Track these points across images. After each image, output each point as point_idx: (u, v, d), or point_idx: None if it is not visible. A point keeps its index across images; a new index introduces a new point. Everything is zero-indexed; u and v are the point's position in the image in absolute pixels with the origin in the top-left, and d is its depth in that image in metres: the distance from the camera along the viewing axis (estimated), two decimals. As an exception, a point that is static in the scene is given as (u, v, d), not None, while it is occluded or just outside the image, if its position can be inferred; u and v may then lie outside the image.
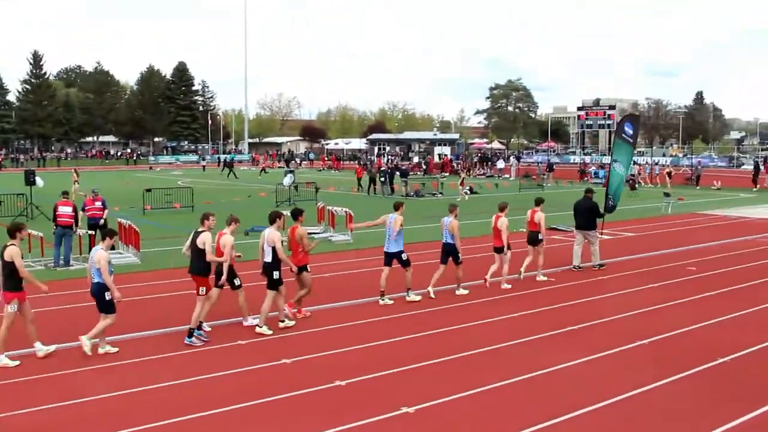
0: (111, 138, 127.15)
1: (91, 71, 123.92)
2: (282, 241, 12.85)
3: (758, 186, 47.40)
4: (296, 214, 13.59)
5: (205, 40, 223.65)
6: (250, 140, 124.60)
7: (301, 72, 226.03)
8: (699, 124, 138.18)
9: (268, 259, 12.65)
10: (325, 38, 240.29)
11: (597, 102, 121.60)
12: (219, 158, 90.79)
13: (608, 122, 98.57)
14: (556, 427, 8.48)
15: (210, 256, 12.03)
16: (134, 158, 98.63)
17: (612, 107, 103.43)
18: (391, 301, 14.69)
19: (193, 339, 11.85)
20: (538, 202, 17.47)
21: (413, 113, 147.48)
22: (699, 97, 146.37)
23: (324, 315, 13.84)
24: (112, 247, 16.10)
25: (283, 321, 12.88)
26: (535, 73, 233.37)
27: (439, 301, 14.88)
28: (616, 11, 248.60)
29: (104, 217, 19.82)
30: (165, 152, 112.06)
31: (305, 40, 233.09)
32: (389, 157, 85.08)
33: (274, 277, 12.63)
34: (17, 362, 10.77)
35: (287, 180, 40.61)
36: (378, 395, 9.56)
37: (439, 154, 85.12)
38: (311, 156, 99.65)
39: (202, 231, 12.20)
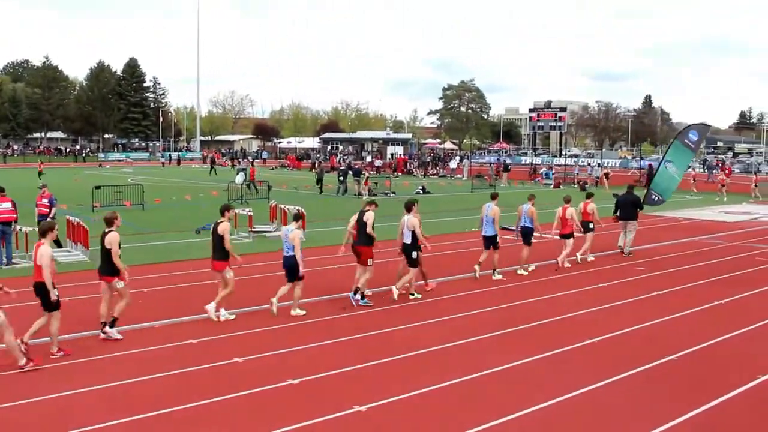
0: (59, 134, 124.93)
1: (39, 66, 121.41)
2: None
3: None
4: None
5: (157, 37, 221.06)
6: (202, 138, 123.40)
7: (254, 70, 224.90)
8: (647, 127, 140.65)
9: (408, 240, 14.64)
10: (278, 37, 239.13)
11: (548, 104, 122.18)
12: (170, 155, 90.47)
13: (559, 124, 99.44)
14: (503, 426, 8.54)
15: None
16: (83, 155, 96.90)
17: (563, 109, 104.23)
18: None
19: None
20: (588, 196, 20.55)
21: (366, 113, 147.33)
22: (647, 101, 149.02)
23: (277, 313, 13.74)
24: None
25: (413, 294, 14.98)
26: (488, 75, 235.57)
27: (387, 300, 14.90)
28: (569, 16, 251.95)
29: (51, 215, 19.37)
30: (115, 149, 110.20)
31: (258, 38, 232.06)
32: (342, 156, 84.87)
33: (413, 257, 14.61)
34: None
35: (239, 178, 40.31)
36: (330, 394, 9.53)
37: (392, 154, 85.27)
38: (264, 155, 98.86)
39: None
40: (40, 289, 10.72)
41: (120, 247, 11.84)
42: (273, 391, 9.60)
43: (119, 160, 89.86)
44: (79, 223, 19.48)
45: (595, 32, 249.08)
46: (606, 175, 51.66)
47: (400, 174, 64.58)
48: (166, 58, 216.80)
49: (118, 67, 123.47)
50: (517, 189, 48.63)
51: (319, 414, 8.71)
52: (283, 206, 24.80)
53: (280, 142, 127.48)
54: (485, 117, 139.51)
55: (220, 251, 13.15)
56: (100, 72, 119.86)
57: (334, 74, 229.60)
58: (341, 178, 43.02)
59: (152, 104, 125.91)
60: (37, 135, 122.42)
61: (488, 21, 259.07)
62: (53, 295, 10.70)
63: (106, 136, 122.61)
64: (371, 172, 61.36)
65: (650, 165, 59.03)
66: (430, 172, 68.20)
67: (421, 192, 42.86)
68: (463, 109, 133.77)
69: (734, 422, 8.84)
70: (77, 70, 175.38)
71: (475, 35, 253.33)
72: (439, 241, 17.07)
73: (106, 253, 11.81)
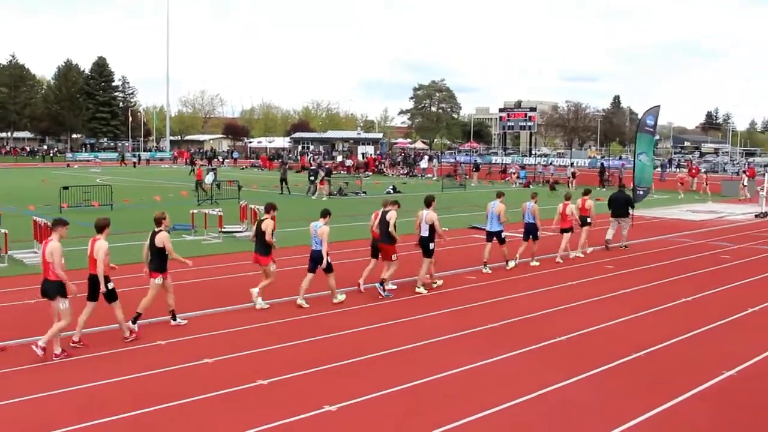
0: (26, 134, 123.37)
1: (5, 65, 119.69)
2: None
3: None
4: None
5: (126, 36, 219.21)
6: (172, 138, 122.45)
7: (225, 69, 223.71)
8: (616, 127, 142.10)
9: (425, 234, 15.54)
10: (248, 36, 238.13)
11: (518, 104, 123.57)
12: (139, 155, 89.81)
13: (529, 124, 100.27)
14: (471, 424, 8.64)
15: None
16: (51, 155, 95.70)
17: (533, 109, 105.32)
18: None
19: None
20: (586, 192, 21.86)
21: (337, 112, 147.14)
22: (616, 101, 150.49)
23: (246, 314, 13.75)
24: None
25: (435, 283, 16.25)
26: (459, 75, 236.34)
27: (360, 300, 14.96)
28: (539, 17, 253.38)
29: None
30: (84, 149, 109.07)
31: (228, 37, 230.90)
32: (312, 156, 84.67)
33: (430, 248, 15.53)
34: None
35: (209, 178, 40.11)
36: (301, 394, 9.56)
37: (363, 153, 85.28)
38: (235, 155, 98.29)
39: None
40: (96, 282, 11.39)
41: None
42: (242, 392, 9.61)
43: (87, 161, 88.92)
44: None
45: (566, 33, 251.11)
46: (573, 174, 52.36)
47: (371, 173, 64.64)
48: (136, 57, 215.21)
49: (86, 66, 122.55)
50: (488, 188, 48.87)
51: (290, 414, 8.75)
52: (253, 206, 24.73)
53: (250, 142, 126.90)
54: (456, 117, 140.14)
55: (264, 246, 14.10)
56: (68, 71, 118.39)
57: (305, 74, 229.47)
58: (312, 178, 42.90)
59: (121, 104, 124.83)
60: (3, 135, 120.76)
61: (459, 21, 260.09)
62: (104, 287, 11.31)
63: (74, 135, 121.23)
64: (342, 172, 61.40)
65: (602, 165, 60.18)
66: (401, 171, 68.37)
67: (392, 191, 42.89)
68: (433, 108, 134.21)
69: (695, 419, 8.99)
70: (45, 69, 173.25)
71: (445, 35, 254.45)
72: (411, 240, 17.16)
73: (157, 252, 12.54)
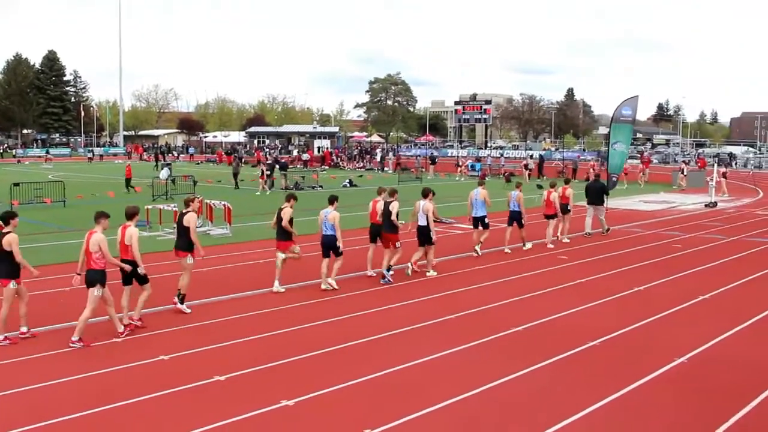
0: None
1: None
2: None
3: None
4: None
5: (78, 29, 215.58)
6: (126, 133, 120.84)
7: (179, 63, 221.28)
8: (570, 119, 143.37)
9: (423, 223, 16.83)
10: (203, 29, 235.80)
11: (474, 97, 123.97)
12: (92, 151, 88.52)
13: (484, 116, 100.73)
14: (427, 417, 8.69)
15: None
16: (1, 151, 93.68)
17: (488, 102, 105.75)
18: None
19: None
20: (567, 182, 23.95)
21: (293, 106, 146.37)
22: (570, 93, 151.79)
23: (203, 310, 13.64)
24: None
25: (429, 271, 17.10)
26: (414, 68, 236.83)
27: (321, 294, 14.95)
28: (494, 10, 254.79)
29: None
30: (35, 145, 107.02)
31: (183, 30, 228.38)
32: (268, 150, 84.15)
33: (431, 236, 16.83)
34: None
35: (163, 173, 39.70)
36: (258, 389, 9.52)
37: (319, 147, 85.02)
38: (191, 150, 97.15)
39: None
40: (131, 265, 12.12)
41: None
42: (199, 388, 9.54)
43: (38, 156, 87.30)
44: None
45: (520, 26, 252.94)
46: (525, 166, 52.86)
47: (327, 167, 64.55)
48: (88, 51, 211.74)
49: (36, 59, 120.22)
50: (445, 181, 49.09)
51: (247, 410, 8.71)
52: (208, 201, 24.57)
53: (205, 137, 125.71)
54: (411, 110, 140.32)
55: (284, 233, 15.10)
56: (17, 65, 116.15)
57: (261, 68, 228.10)
58: (268, 173, 42.69)
59: (73, 98, 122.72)
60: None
61: (414, 14, 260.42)
62: (141, 270, 12.16)
63: (24, 131, 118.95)
64: (298, 166, 61.14)
65: (541, 156, 61.94)
66: (357, 165, 68.38)
67: (348, 185, 42.89)
68: (389, 102, 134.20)
69: (649, 405, 9.14)
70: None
71: (401, 28, 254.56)
72: (365, 234, 17.21)
73: (184, 231, 13.49)
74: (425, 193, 17.31)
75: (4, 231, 11.59)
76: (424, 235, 16.96)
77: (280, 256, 15.22)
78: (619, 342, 11.83)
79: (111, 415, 8.65)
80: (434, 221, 17.40)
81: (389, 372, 10.23)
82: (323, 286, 15.28)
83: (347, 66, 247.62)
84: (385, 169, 63.51)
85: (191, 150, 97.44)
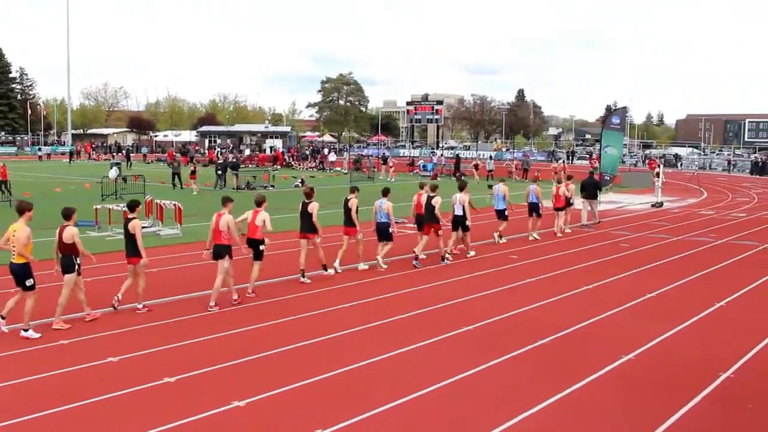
0: None
1: None
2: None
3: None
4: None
5: (24, 25, 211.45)
6: (74, 131, 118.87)
7: (128, 61, 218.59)
8: (521, 120, 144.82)
9: (459, 212, 19.26)
10: (153, 27, 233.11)
11: (425, 97, 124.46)
12: (40, 149, 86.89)
13: (436, 117, 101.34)
14: (383, 415, 8.72)
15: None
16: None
17: (440, 102, 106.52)
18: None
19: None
20: (569, 177, 27.50)
21: (245, 106, 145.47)
22: (520, 94, 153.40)
23: (154, 310, 13.49)
24: None
25: (470, 252, 19.78)
26: (366, 68, 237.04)
27: (273, 293, 14.89)
28: (444, 10, 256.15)
29: None
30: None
31: (132, 28, 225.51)
32: (220, 149, 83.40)
33: (466, 224, 19.28)
34: None
35: (112, 173, 39.17)
36: (209, 390, 9.44)
37: (271, 147, 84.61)
38: (144, 150, 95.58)
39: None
40: (254, 243, 14.55)
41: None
42: (149, 389, 9.43)
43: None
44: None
45: (469, 26, 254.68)
46: (476, 166, 53.10)
47: (279, 167, 64.24)
48: (35, 48, 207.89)
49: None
50: (397, 180, 49.20)
51: (198, 411, 8.63)
52: (159, 201, 24.30)
53: (156, 136, 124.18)
54: (364, 110, 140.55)
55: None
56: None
57: (212, 66, 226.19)
58: (219, 172, 42.35)
59: (19, 96, 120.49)
60: None
61: (366, 14, 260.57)
62: (263, 246, 14.62)
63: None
64: (250, 165, 60.74)
65: (458, 155, 65.22)
66: (309, 165, 68.21)
67: (300, 185, 42.70)
68: (341, 102, 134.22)
69: (600, 400, 9.29)
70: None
71: (352, 28, 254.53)
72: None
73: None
74: (461, 187, 19.80)
75: (129, 217, 13.49)
76: (460, 223, 19.20)
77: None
78: (569, 339, 11.98)
79: (55, 418, 8.50)
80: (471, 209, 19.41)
81: (342, 371, 10.21)
82: (381, 265, 17.53)
83: (299, 65, 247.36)
84: (337, 168, 63.40)
85: (144, 150, 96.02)
